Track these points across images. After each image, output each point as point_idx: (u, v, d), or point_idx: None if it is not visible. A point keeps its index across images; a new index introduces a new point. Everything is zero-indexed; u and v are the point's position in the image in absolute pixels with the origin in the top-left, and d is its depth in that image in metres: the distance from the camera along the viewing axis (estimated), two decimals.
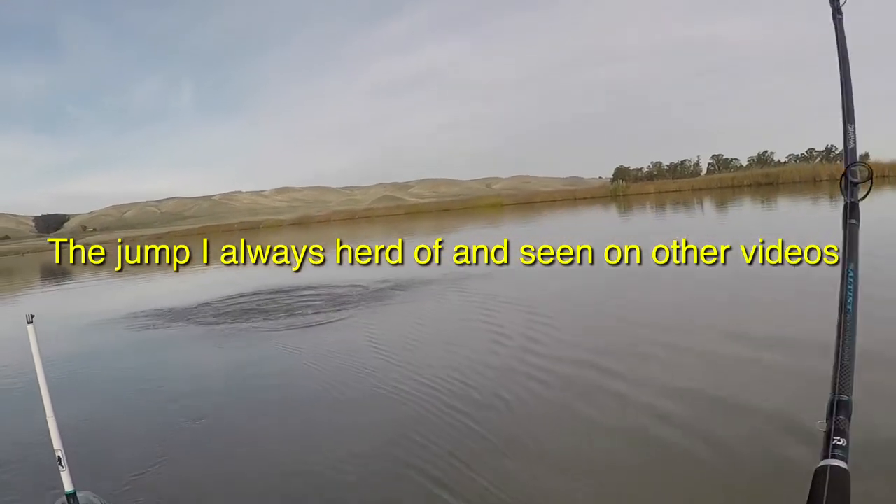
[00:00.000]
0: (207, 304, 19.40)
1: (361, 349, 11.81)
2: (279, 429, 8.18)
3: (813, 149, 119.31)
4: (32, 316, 3.99)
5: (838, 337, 1.41)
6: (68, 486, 3.83)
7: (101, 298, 27.55)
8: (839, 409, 1.34)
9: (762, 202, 45.48)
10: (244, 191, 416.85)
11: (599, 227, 41.19)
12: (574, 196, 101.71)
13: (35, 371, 4.01)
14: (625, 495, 5.39)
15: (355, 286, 19.21)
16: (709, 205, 49.70)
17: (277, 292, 20.56)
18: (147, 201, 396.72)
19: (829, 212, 31.98)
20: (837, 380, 1.37)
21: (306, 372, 10.75)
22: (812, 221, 28.88)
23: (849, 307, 1.46)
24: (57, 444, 3.81)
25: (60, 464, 3.83)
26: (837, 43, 1.97)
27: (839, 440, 1.29)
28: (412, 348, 11.59)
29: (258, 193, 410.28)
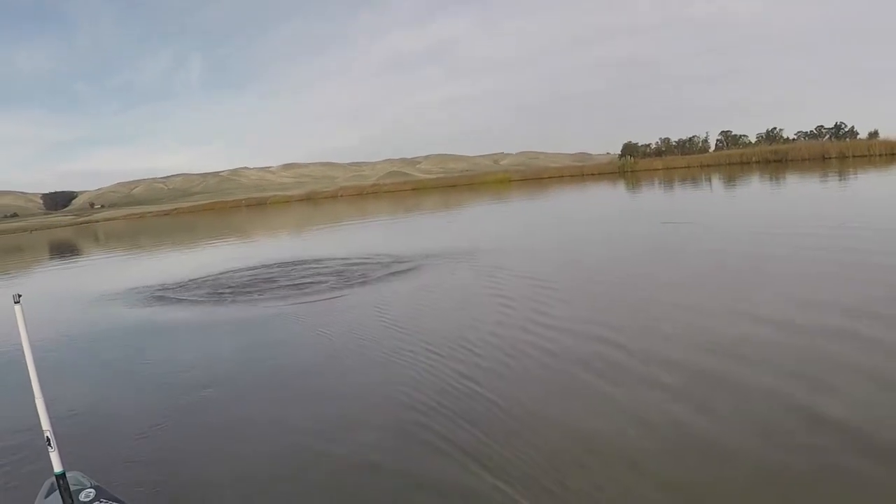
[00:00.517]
0: (213, 277, 19.49)
1: (370, 320, 11.89)
2: (285, 398, 8.26)
3: (822, 126, 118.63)
4: (20, 296, 4.01)
5: None
6: (57, 467, 3.82)
7: (106, 275, 27.73)
8: None
9: (770, 179, 45.26)
10: (251, 167, 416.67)
11: (605, 203, 41.13)
12: (582, 172, 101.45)
13: (23, 351, 3.95)
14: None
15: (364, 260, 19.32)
16: (717, 182, 49.42)
17: (284, 265, 20.73)
18: (154, 178, 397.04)
19: (839, 191, 31.86)
20: None
21: (315, 342, 10.87)
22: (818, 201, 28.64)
23: None
24: (46, 424, 3.79)
25: (49, 444, 3.83)
26: None
27: None
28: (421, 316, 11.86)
29: (265, 169, 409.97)
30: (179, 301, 16.13)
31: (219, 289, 17.17)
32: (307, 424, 7.11)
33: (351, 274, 17.27)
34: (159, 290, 18.09)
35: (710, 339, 8.71)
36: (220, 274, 20.07)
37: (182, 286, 18.37)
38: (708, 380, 7.21)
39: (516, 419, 6.65)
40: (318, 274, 17.95)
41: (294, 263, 20.79)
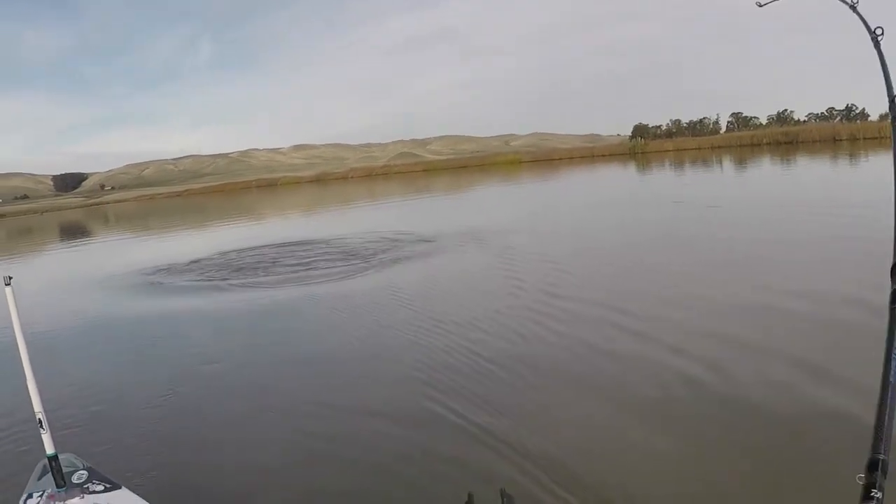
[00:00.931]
0: (223, 258, 19.61)
1: (383, 299, 11.96)
2: (295, 376, 8.32)
3: (833, 108, 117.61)
4: (10, 278, 3.98)
5: (880, 403, 1.52)
6: (49, 449, 3.82)
7: (114, 256, 27.72)
8: (877, 466, 1.44)
9: (781, 161, 45.03)
10: (261, 148, 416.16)
11: (614, 184, 40.97)
12: (592, 153, 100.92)
13: (15, 334, 3.95)
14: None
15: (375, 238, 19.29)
16: (728, 164, 49.19)
17: (295, 245, 20.90)
18: (165, 159, 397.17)
19: (851, 171, 31.70)
20: (877, 440, 1.48)
21: (327, 323, 10.91)
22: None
23: (892, 380, 1.55)
24: (37, 406, 3.78)
25: (41, 426, 3.81)
26: (883, 68, 2.09)
27: (876, 493, 1.41)
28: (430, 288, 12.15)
29: (276, 151, 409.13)
30: (188, 282, 16.18)
31: (228, 269, 17.20)
32: (318, 405, 7.10)
33: (363, 254, 17.27)
34: (168, 271, 18.14)
35: (721, 312, 8.90)
36: (230, 255, 20.12)
37: (191, 267, 18.40)
38: (721, 348, 7.37)
39: (530, 385, 6.82)
40: (329, 254, 17.99)
41: (304, 244, 20.82)
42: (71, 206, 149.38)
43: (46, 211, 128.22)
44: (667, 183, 37.71)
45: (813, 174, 32.98)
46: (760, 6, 2.28)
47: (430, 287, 12.78)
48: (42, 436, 3.77)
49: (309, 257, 17.74)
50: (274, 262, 17.49)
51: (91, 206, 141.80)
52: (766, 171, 38.80)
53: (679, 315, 8.93)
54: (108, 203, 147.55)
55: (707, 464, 5.07)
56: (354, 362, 8.58)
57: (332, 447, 6.01)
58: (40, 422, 3.79)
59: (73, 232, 52.87)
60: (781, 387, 6.16)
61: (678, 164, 55.35)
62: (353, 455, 5.79)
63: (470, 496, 1.98)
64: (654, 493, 4.78)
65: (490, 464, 5.23)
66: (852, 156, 40.88)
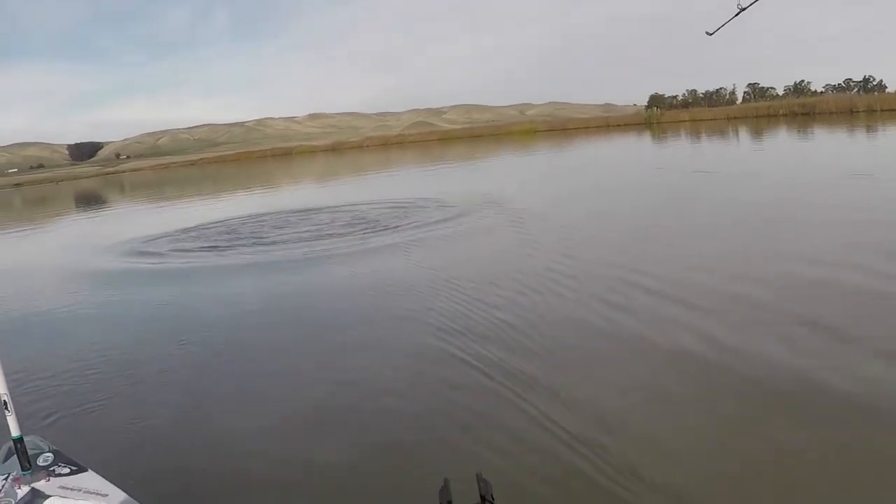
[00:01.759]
0: (236, 224, 19.87)
1: (397, 263, 12.25)
2: (308, 341, 8.54)
3: (850, 79, 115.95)
4: None
5: None
6: (15, 431, 3.80)
7: (128, 223, 27.88)
8: None
9: (798, 132, 44.67)
10: (277, 117, 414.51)
11: (631, 154, 40.81)
12: (608, 123, 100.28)
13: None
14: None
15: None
16: (744, 134, 48.84)
17: (309, 211, 21.10)
18: (180, 128, 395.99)
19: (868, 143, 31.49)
20: None
21: (342, 287, 11.21)
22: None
23: None
24: (2, 388, 3.76)
25: (6, 408, 3.78)
26: None
27: None
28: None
29: (291, 119, 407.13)
30: (200, 248, 16.38)
31: (241, 235, 17.35)
32: (332, 372, 7.20)
33: (378, 220, 17.39)
34: (171, 238, 18.40)
35: (734, 273, 9.32)
36: (244, 220, 20.23)
37: (196, 234, 18.65)
38: (732, 304, 7.77)
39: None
40: (346, 221, 18.08)
41: (318, 210, 20.91)
42: (87, 175, 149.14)
43: (62, 180, 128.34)
44: (682, 152, 37.55)
45: (832, 144, 32.79)
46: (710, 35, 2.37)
47: (447, 250, 12.96)
48: (7, 418, 3.77)
49: (325, 224, 17.83)
50: (284, 230, 17.55)
51: (107, 174, 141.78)
52: (781, 141, 38.57)
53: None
54: (123, 172, 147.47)
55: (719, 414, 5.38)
56: (371, 320, 8.83)
57: (327, 436, 5.81)
58: (5, 404, 3.78)
59: (89, 201, 52.94)
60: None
61: (694, 134, 55.02)
62: (351, 436, 5.69)
63: (446, 481, 2.02)
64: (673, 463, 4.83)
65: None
66: (869, 127, 40.56)
